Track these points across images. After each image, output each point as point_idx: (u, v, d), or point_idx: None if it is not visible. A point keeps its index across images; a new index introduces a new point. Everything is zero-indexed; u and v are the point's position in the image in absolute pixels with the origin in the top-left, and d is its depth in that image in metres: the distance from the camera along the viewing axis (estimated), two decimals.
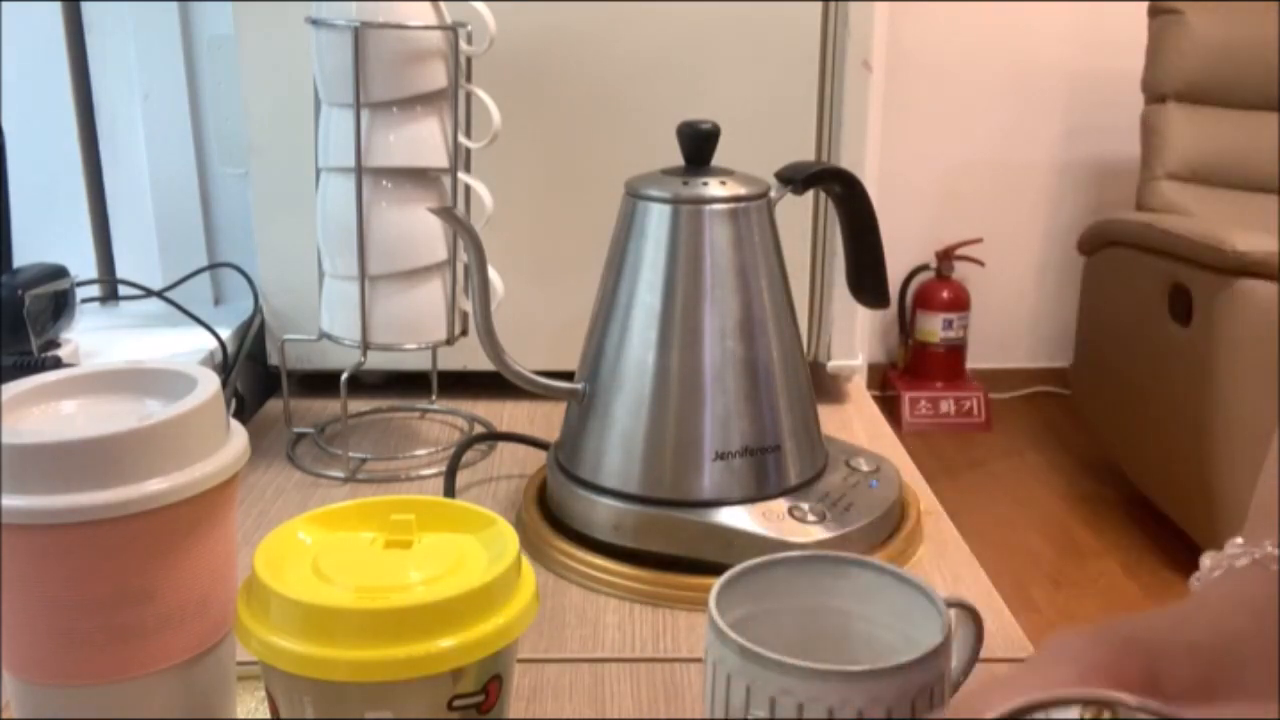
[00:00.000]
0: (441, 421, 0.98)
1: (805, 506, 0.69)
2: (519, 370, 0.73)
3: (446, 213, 0.71)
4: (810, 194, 0.99)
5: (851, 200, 0.76)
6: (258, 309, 1.00)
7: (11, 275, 0.86)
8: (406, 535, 0.48)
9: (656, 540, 0.69)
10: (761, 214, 0.72)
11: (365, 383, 1.03)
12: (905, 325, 3.12)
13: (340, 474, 0.86)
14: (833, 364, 1.03)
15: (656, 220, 0.71)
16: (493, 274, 0.86)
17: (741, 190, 0.71)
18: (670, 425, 0.70)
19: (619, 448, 0.71)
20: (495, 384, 1.03)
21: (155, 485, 0.42)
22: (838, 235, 0.99)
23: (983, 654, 0.52)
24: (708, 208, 0.70)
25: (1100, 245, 2.45)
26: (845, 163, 0.99)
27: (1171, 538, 2.28)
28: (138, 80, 1.04)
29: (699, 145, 0.73)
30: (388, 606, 0.42)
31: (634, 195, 0.73)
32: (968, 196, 3.01)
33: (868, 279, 0.79)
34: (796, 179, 0.74)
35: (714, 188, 0.71)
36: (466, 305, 0.89)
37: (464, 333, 0.89)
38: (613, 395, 0.71)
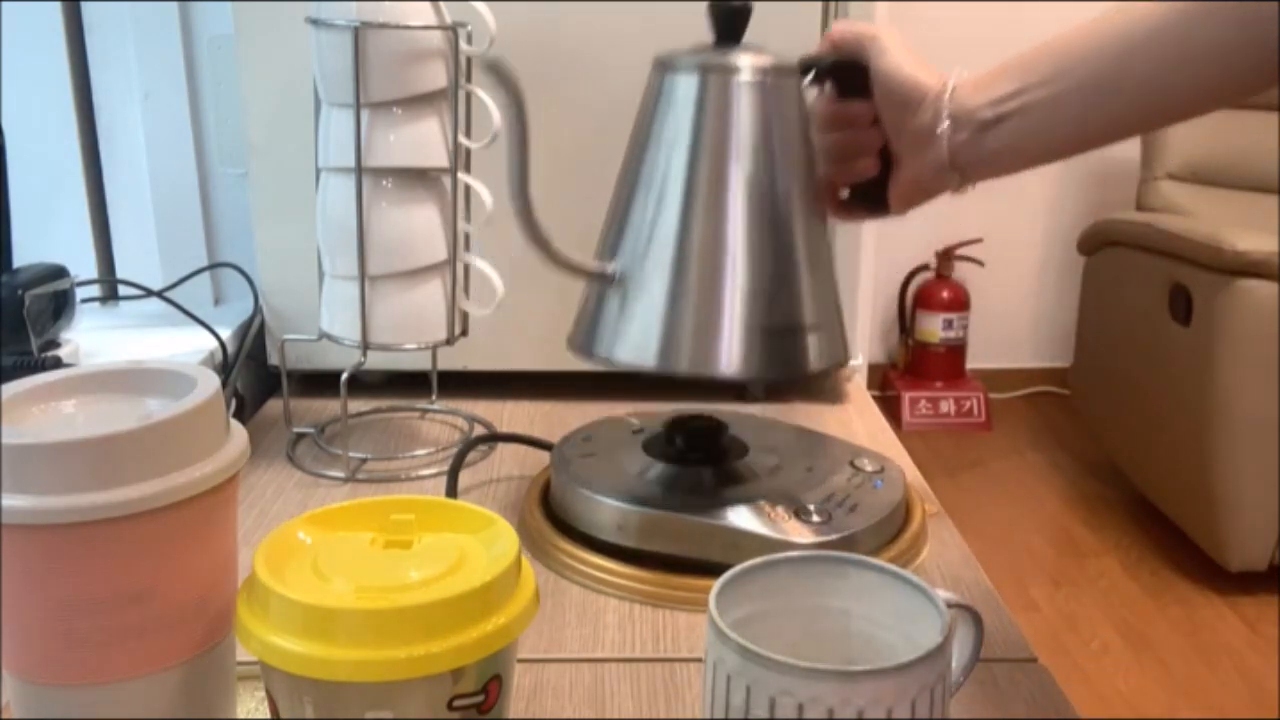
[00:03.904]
0: (441, 421, 0.98)
1: (811, 507, 0.69)
2: (556, 250, 0.71)
3: (495, 68, 0.68)
4: None
5: (864, 94, 0.71)
6: (258, 309, 1.00)
7: (11, 275, 0.86)
8: (406, 535, 0.48)
9: (661, 541, 0.69)
10: (792, 91, 0.70)
11: (365, 383, 1.03)
12: (905, 325, 3.12)
13: (340, 474, 0.86)
14: None
15: (684, 92, 0.69)
16: (492, 273, 0.87)
17: (772, 63, 0.69)
18: (700, 296, 0.68)
19: (647, 322, 0.69)
20: (495, 384, 1.04)
21: (155, 485, 0.42)
22: (839, 234, 1.00)
23: (983, 654, 0.52)
24: (736, 78, 0.68)
25: (1100, 245, 2.45)
26: None
27: (1171, 538, 2.29)
28: (138, 80, 1.04)
29: (730, 22, 0.70)
30: (388, 606, 0.42)
31: (663, 68, 0.71)
32: (968, 196, 3.00)
33: (873, 185, 0.74)
34: (814, 67, 0.71)
35: (746, 59, 0.69)
36: (467, 305, 0.89)
37: (464, 333, 0.89)
38: (644, 270, 0.69)
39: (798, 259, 0.69)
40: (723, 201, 0.68)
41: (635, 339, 0.70)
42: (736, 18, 0.70)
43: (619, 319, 0.70)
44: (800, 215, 0.70)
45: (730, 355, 0.68)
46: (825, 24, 0.96)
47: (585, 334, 0.73)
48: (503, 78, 0.67)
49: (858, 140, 0.71)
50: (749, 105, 0.68)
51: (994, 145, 0.64)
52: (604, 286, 0.71)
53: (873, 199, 0.72)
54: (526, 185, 0.69)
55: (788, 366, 0.69)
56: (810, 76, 0.71)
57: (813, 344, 0.70)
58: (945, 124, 0.65)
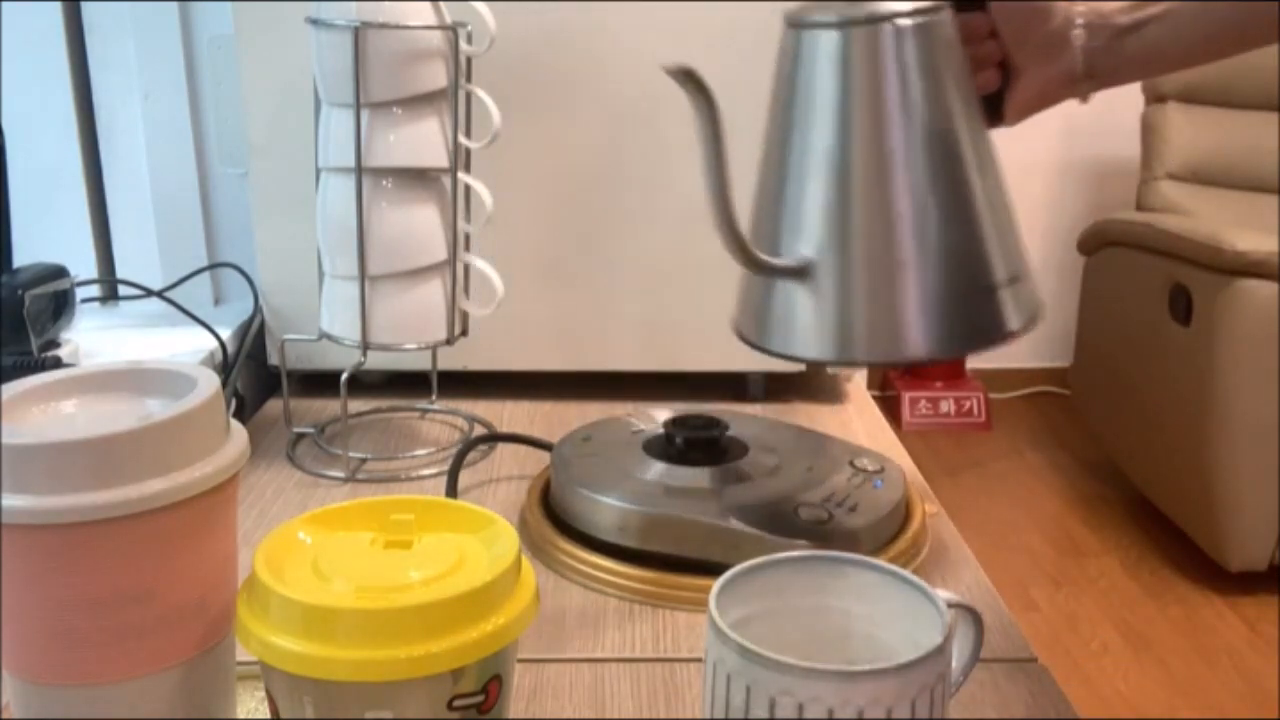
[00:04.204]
0: (441, 421, 0.98)
1: (810, 507, 0.69)
2: (755, 254, 0.63)
3: (681, 74, 0.63)
4: None
5: (979, 5, 0.67)
6: (258, 309, 1.00)
7: (11, 275, 0.86)
8: (406, 535, 0.48)
9: (661, 541, 0.69)
10: (947, 23, 0.62)
11: (365, 383, 1.03)
12: None
13: (340, 474, 0.86)
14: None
15: (832, 51, 0.61)
16: (492, 273, 0.87)
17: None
18: (889, 275, 0.61)
19: (871, 308, 0.62)
20: (495, 384, 1.04)
21: (155, 485, 0.42)
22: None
23: (983, 654, 0.52)
24: (889, 25, 0.60)
25: (1100, 245, 2.45)
26: None
27: (1171, 538, 2.28)
28: (138, 80, 1.04)
29: None
30: (388, 606, 0.42)
31: (799, 26, 0.63)
32: None
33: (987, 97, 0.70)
34: None
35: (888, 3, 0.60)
36: (467, 305, 0.89)
37: (464, 333, 0.89)
38: (827, 256, 0.62)
39: (981, 210, 0.62)
40: (900, 169, 0.61)
41: (824, 330, 0.63)
42: None
43: (803, 310, 0.63)
44: (975, 158, 0.63)
45: (926, 334, 0.61)
46: None
47: (758, 325, 0.67)
48: (695, 87, 0.63)
49: (975, 55, 0.65)
50: (911, 53, 0.61)
51: (1132, 51, 0.62)
52: (793, 279, 0.64)
53: (986, 112, 0.66)
54: (728, 193, 0.62)
55: (987, 334, 0.62)
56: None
57: (1007, 301, 0.62)
58: (1079, 31, 0.63)
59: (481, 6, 0.84)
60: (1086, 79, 0.64)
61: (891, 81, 0.61)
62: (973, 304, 0.62)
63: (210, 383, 0.46)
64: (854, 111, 0.61)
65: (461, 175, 0.85)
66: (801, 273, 0.63)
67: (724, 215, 0.62)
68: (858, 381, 1.08)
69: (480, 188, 0.84)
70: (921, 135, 0.61)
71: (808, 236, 0.62)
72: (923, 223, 0.61)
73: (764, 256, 0.63)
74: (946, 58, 0.62)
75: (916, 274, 0.61)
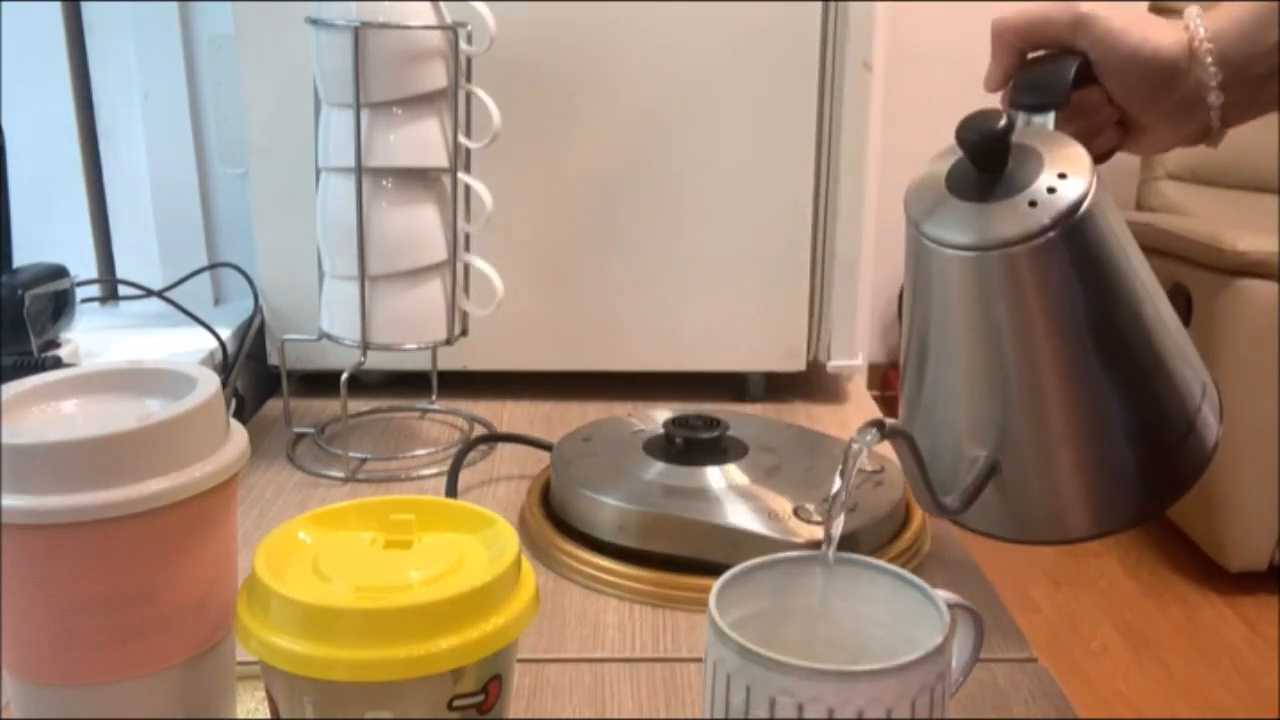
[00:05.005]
0: (441, 421, 0.98)
1: (810, 507, 0.69)
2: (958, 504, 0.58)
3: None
4: (810, 197, 1.00)
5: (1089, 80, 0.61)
6: (258, 309, 1.00)
7: (11, 275, 0.86)
8: (406, 535, 0.48)
9: (661, 541, 0.69)
10: (1104, 203, 0.56)
11: (365, 383, 1.03)
12: None
13: (340, 474, 0.86)
14: (833, 364, 1.03)
15: (978, 279, 0.55)
16: (492, 273, 0.87)
17: (1073, 194, 0.54)
18: (1144, 415, 0.57)
19: (1047, 498, 0.58)
20: (495, 384, 1.04)
21: (155, 485, 0.42)
22: (839, 234, 1.00)
23: (983, 654, 0.52)
24: (1033, 244, 0.53)
25: None
26: (845, 163, 0.99)
27: (1171, 538, 2.28)
28: (138, 80, 1.03)
29: (988, 153, 0.55)
30: (388, 606, 0.42)
31: (927, 238, 0.56)
32: None
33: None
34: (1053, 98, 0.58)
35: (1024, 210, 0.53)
36: (467, 305, 0.89)
37: (464, 333, 0.89)
38: (1040, 443, 0.57)
39: (1168, 354, 0.57)
40: (1088, 362, 0.56)
41: (1030, 515, 0.60)
42: (996, 143, 0.54)
43: (1005, 499, 0.59)
44: (1156, 307, 0.58)
45: (1137, 500, 0.59)
46: (825, 24, 0.96)
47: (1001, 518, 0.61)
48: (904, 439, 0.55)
49: (1093, 124, 0.61)
50: (1073, 253, 0.54)
51: (1270, 95, 0.58)
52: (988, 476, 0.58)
53: (1101, 158, 0.62)
54: (933, 489, 0.57)
55: (1193, 472, 0.58)
56: (1042, 118, 0.59)
57: (1202, 425, 0.59)
58: (1214, 95, 0.57)
59: (481, 6, 0.84)
60: (1222, 130, 0.60)
61: (1069, 288, 0.55)
62: (1176, 452, 0.59)
63: (210, 383, 0.46)
64: (1041, 328, 0.55)
65: (461, 175, 0.85)
66: (997, 467, 0.58)
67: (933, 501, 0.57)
68: (858, 381, 1.08)
69: (480, 188, 0.84)
70: (1108, 325, 0.56)
71: (988, 440, 0.58)
72: (1130, 401, 0.57)
73: (958, 499, 0.58)
74: (1111, 223, 0.56)
75: (1111, 453, 0.58)
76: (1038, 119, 0.58)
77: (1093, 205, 0.54)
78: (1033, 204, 0.53)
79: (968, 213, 0.55)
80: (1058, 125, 0.58)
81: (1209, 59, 0.57)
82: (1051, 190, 0.54)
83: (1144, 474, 0.58)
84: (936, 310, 0.57)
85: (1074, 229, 0.53)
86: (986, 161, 0.55)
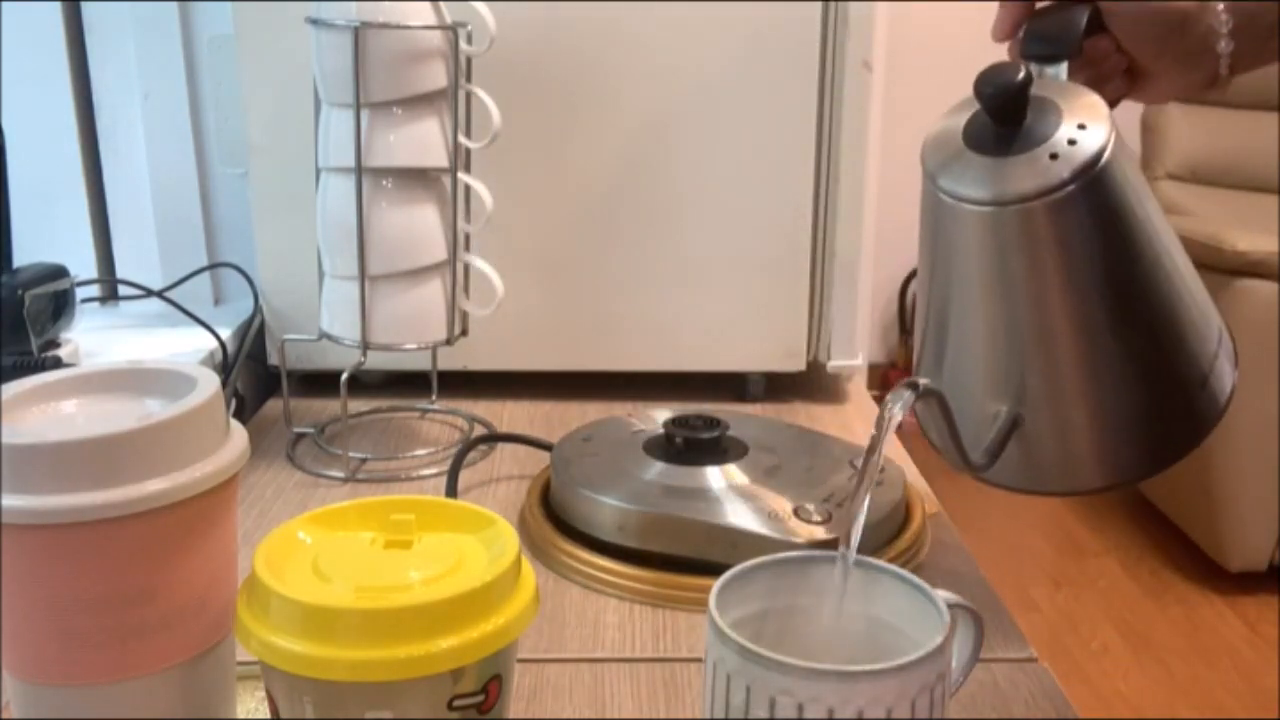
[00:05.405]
0: (441, 421, 0.98)
1: (810, 507, 0.69)
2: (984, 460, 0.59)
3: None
4: (810, 197, 1.00)
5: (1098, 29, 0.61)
6: (258, 309, 1.00)
7: (11, 275, 0.86)
8: (406, 535, 0.48)
9: (661, 541, 0.69)
10: (1122, 153, 0.55)
11: (365, 383, 1.03)
12: (905, 325, 3.12)
13: (340, 474, 0.86)
14: (833, 364, 1.03)
15: (999, 232, 0.55)
16: (492, 273, 0.87)
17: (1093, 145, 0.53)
18: (1166, 383, 0.58)
19: (1069, 449, 0.59)
20: (495, 384, 1.04)
21: (155, 485, 0.42)
22: (839, 234, 1.00)
23: (983, 654, 0.52)
24: (1055, 196, 0.52)
25: None
26: (845, 163, 0.99)
27: (1171, 538, 2.28)
28: (138, 80, 1.03)
29: (1006, 104, 0.54)
30: (388, 606, 0.42)
31: (944, 193, 0.55)
32: None
33: None
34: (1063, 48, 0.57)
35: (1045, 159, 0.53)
36: (467, 305, 0.89)
37: (464, 333, 0.89)
38: (1062, 396, 0.58)
39: (1185, 304, 0.57)
40: (1107, 314, 0.56)
41: (1047, 467, 0.60)
42: (1015, 96, 0.54)
43: (1023, 451, 0.59)
44: (1172, 256, 0.57)
45: (1155, 448, 0.59)
46: (825, 24, 0.96)
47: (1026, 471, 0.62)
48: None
49: (1100, 73, 0.61)
50: (1092, 206, 0.54)
51: None
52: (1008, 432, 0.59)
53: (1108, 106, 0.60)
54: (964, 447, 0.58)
55: (1209, 421, 0.59)
56: (1054, 69, 0.58)
57: (1218, 375, 0.59)
58: (1225, 42, 0.57)
59: (481, 6, 0.84)
60: (1229, 77, 0.60)
61: (1086, 240, 0.54)
62: (1193, 402, 0.59)
63: (210, 383, 0.46)
64: (1057, 279, 0.55)
65: (461, 175, 0.85)
66: (1020, 420, 0.58)
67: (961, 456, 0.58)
68: (858, 381, 1.08)
69: (480, 188, 0.84)
70: (1133, 273, 0.56)
71: (1010, 395, 0.58)
72: (1152, 354, 0.58)
73: (983, 454, 0.58)
74: (1130, 177, 0.55)
75: (1130, 403, 0.58)
76: (1049, 70, 0.58)
77: (1112, 156, 0.53)
78: (1054, 156, 0.53)
79: (986, 167, 0.54)
80: (1072, 72, 0.58)
81: (1220, 6, 0.57)
82: (1072, 142, 0.53)
83: (1161, 424, 0.58)
84: (954, 266, 0.57)
85: (1094, 181, 0.53)
86: (1004, 115, 0.54)
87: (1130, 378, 0.57)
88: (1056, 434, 0.59)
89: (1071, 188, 0.53)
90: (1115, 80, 0.62)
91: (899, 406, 0.49)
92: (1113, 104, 0.60)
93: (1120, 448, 0.59)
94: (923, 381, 0.51)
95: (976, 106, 0.55)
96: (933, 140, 0.57)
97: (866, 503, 0.48)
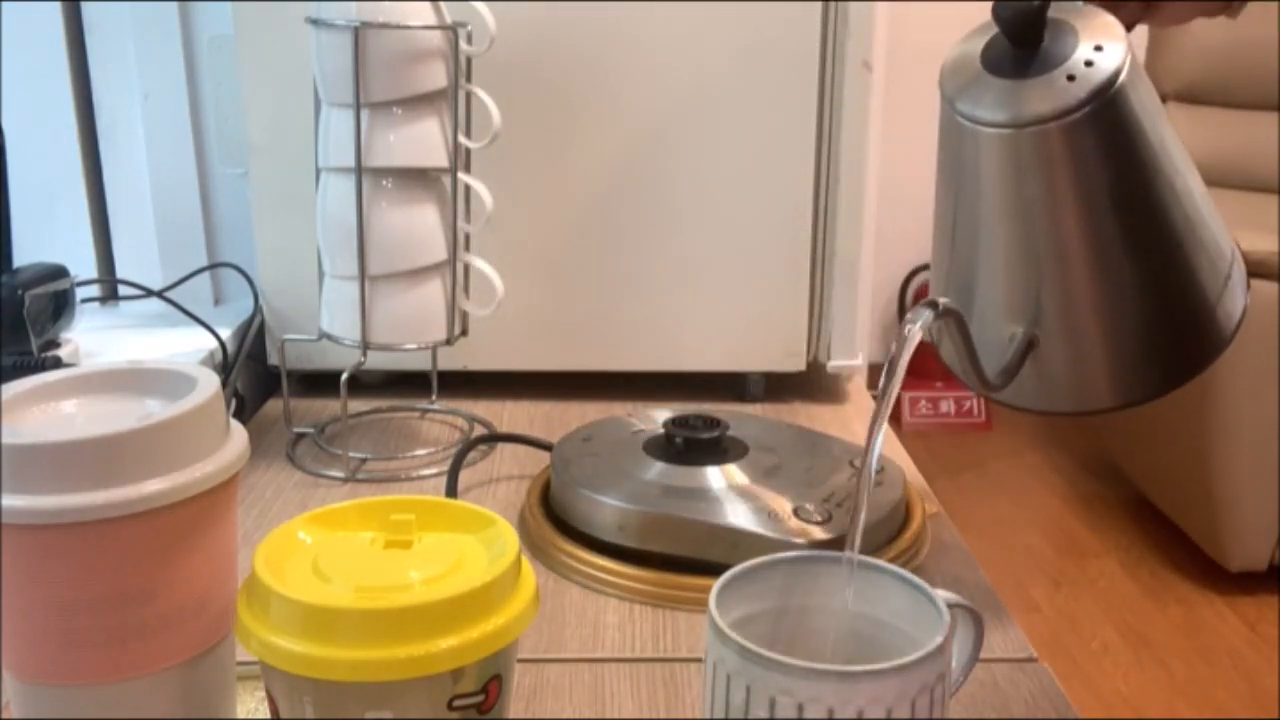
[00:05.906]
0: (441, 421, 0.98)
1: (810, 507, 0.69)
2: (1000, 379, 0.60)
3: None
4: (810, 198, 1.00)
5: None
6: (258, 309, 1.00)
7: (11, 275, 0.86)
8: (406, 535, 0.48)
9: (661, 541, 0.69)
10: (1136, 74, 0.55)
11: (365, 383, 1.03)
12: None
13: (340, 474, 0.86)
14: (833, 364, 1.03)
15: (1017, 155, 0.55)
16: (492, 273, 0.87)
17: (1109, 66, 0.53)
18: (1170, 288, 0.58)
19: (1108, 354, 0.59)
20: (495, 384, 1.04)
21: (155, 485, 0.42)
22: (839, 234, 1.00)
23: (983, 654, 0.52)
24: (1074, 117, 0.53)
25: None
26: (845, 163, 0.99)
27: (1171, 538, 2.28)
28: (138, 80, 1.03)
29: (1023, 28, 0.54)
30: (388, 606, 0.42)
31: (962, 116, 0.55)
32: None
33: None
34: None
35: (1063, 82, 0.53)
36: (467, 305, 0.89)
37: (464, 333, 0.89)
38: (1076, 316, 0.58)
39: (1199, 224, 0.58)
40: (1122, 234, 0.57)
41: (1061, 387, 0.61)
42: (1032, 18, 0.54)
43: (1037, 371, 0.60)
44: (1185, 177, 0.58)
45: (1161, 371, 0.60)
46: (825, 24, 0.96)
47: (1033, 391, 0.62)
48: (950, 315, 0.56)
49: None
50: (1108, 126, 0.54)
51: None
52: (1024, 352, 0.60)
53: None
54: (980, 366, 0.58)
55: (1221, 341, 0.60)
56: None
57: (1230, 295, 0.61)
58: None
59: (481, 6, 0.84)
60: (1240, 4, 0.59)
61: (1098, 163, 0.55)
62: (1205, 324, 0.61)
63: (210, 383, 0.46)
64: (1074, 200, 0.56)
65: (461, 175, 0.85)
66: (1034, 341, 0.59)
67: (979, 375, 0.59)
68: (858, 382, 1.08)
69: (480, 188, 0.84)
70: (1148, 198, 0.56)
71: (1025, 316, 0.59)
72: (1164, 276, 0.58)
73: (999, 375, 0.59)
74: (1147, 102, 0.55)
75: (1144, 323, 0.59)
76: None
77: (1128, 77, 0.54)
78: (1070, 78, 0.54)
79: (1003, 89, 0.54)
80: None
81: None
82: (1089, 64, 0.54)
83: (1173, 345, 0.60)
84: (971, 189, 0.58)
85: (1110, 102, 0.53)
86: (1022, 37, 0.54)
87: (1144, 298, 0.58)
88: (1071, 355, 0.59)
89: (1088, 109, 0.53)
90: (1130, 4, 0.61)
91: (919, 325, 0.48)
92: (1129, 27, 0.60)
93: (1133, 368, 0.60)
94: (942, 301, 0.51)
95: (994, 30, 0.56)
96: (950, 64, 0.58)
97: (881, 435, 0.48)
